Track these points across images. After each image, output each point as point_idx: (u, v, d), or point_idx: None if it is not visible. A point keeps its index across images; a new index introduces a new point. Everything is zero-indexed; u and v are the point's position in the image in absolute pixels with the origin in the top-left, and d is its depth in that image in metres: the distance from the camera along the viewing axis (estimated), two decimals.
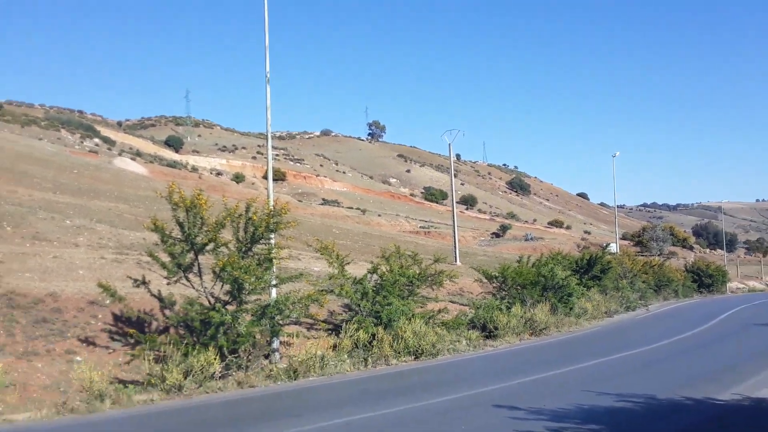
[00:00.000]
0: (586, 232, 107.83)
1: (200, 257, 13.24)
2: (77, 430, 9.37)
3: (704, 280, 51.35)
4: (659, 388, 11.18)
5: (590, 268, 29.03)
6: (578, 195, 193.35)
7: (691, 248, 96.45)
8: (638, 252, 66.67)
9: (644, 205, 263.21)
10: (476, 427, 8.95)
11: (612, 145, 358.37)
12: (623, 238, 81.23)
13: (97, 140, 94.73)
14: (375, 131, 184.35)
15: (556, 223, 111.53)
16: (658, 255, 68.09)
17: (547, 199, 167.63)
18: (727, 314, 28.30)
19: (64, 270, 16.32)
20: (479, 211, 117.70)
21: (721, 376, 12.70)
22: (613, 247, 45.84)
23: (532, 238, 79.23)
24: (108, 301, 13.72)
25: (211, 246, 12.94)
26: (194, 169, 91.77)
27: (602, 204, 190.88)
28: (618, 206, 63.32)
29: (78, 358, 12.02)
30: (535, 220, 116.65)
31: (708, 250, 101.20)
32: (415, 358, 15.68)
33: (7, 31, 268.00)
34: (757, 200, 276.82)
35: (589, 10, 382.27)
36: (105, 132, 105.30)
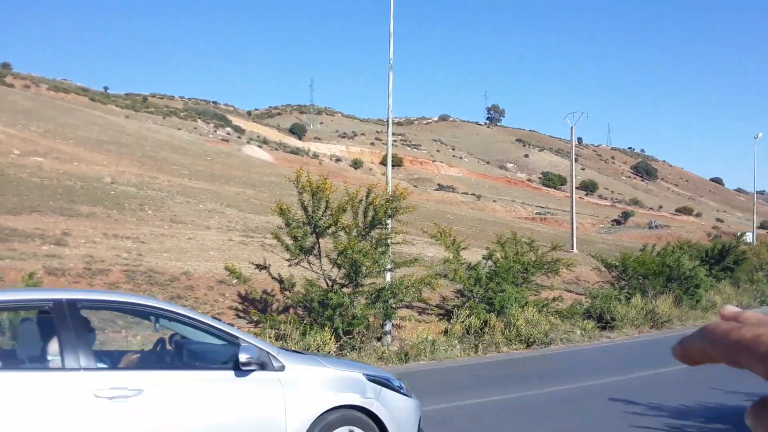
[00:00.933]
0: (718, 220, 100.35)
1: (320, 241, 13.84)
2: None
3: None
4: None
5: (722, 259, 27.14)
6: (712, 180, 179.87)
7: None
8: None
9: None
10: (590, 419, 8.78)
11: (752, 125, 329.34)
12: (761, 227, 74.82)
13: (228, 129, 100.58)
14: (494, 115, 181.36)
15: (684, 210, 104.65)
16: None
17: (676, 185, 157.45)
18: None
19: (197, 251, 17.66)
20: (600, 197, 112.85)
21: None
22: (750, 237, 42.44)
23: (656, 226, 74.92)
24: (234, 281, 14.72)
25: (332, 229, 13.47)
26: (315, 156, 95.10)
27: (739, 190, 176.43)
28: (758, 192, 58.40)
29: None
30: (661, 207, 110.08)
31: None
32: (526, 347, 15.52)
33: (153, 30, 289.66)
34: None
35: None
36: (236, 121, 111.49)
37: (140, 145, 45.53)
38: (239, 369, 5.07)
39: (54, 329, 4.76)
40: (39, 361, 4.96)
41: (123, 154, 37.63)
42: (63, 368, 4.58)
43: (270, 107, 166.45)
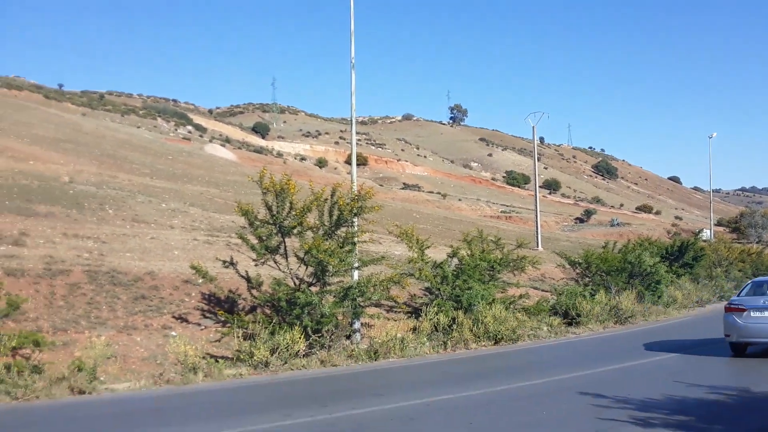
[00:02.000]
0: (677, 217, 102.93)
1: (286, 240, 13.72)
2: (173, 400, 10.01)
3: None
4: (754, 380, 10.67)
5: (681, 256, 27.85)
6: (670, 179, 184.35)
7: None
8: (734, 239, 63.03)
9: (742, 189, 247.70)
10: (559, 413, 8.86)
11: (708, 125, 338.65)
12: (718, 224, 77.00)
13: (189, 128, 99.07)
14: (457, 115, 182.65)
15: (644, 208, 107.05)
16: (757, 242, 64.11)
17: (636, 183, 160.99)
18: None
19: (161, 250, 17.31)
20: (563, 195, 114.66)
21: None
22: (707, 234, 43.67)
23: (618, 224, 76.52)
24: (200, 281, 14.48)
25: (297, 229, 13.38)
26: (279, 155, 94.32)
27: (696, 188, 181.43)
28: (713, 190, 60.06)
29: (173, 333, 12.78)
30: (622, 205, 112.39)
31: None
32: (494, 343, 15.64)
33: (109, 26, 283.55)
34: None
35: None
36: (197, 120, 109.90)
37: (98, 143, 44.46)
38: None
39: None
40: None
41: (81, 153, 36.69)
42: None
43: (232, 106, 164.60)
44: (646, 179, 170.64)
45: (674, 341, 16.15)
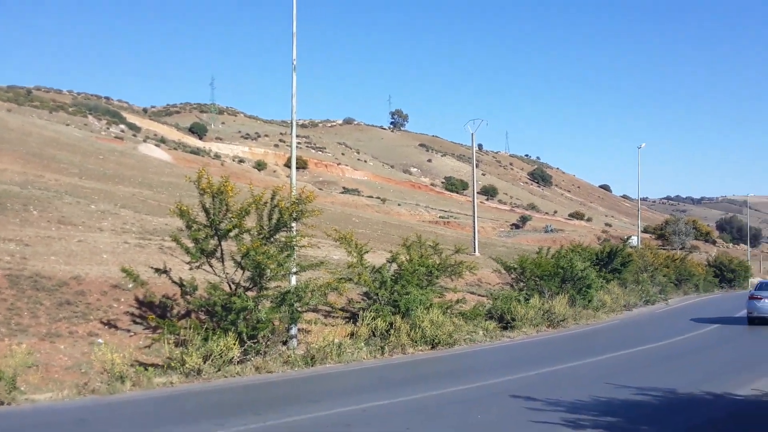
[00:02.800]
0: (607, 224, 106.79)
1: (223, 243, 13.41)
2: (98, 411, 9.58)
3: (726, 275, 50.73)
4: (678, 382, 11.12)
5: (610, 261, 28.83)
6: (600, 187, 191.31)
7: (714, 243, 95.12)
8: (660, 245, 65.91)
9: (668, 198, 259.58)
10: (492, 416, 8.99)
11: (637, 136, 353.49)
12: (645, 231, 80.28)
13: (122, 126, 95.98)
14: (397, 120, 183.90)
15: (576, 215, 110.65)
16: (680, 249, 67.33)
17: (569, 191, 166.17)
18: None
19: (89, 254, 16.62)
20: (500, 201, 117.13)
21: (741, 371, 12.59)
22: (635, 240, 45.34)
23: (552, 230, 78.79)
24: (131, 285, 13.96)
25: (234, 232, 13.10)
26: (217, 157, 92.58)
27: (625, 196, 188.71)
28: (641, 199, 62.53)
29: (99, 341, 12.25)
30: (555, 212, 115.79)
31: (731, 245, 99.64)
32: (431, 348, 15.74)
33: (37, 18, 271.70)
34: None
35: None
36: (131, 118, 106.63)
37: (24, 141, 42.47)
38: None
39: None
40: None
41: (4, 151, 34.93)
42: None
43: (168, 105, 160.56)
44: (578, 187, 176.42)
45: (600, 343, 16.69)
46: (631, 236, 52.03)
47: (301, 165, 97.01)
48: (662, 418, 8.89)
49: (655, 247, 49.08)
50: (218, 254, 13.37)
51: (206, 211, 13.11)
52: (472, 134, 39.65)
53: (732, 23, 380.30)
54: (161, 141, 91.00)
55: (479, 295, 22.80)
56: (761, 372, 12.45)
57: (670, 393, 10.24)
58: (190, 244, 13.16)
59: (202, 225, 13.21)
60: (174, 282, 13.55)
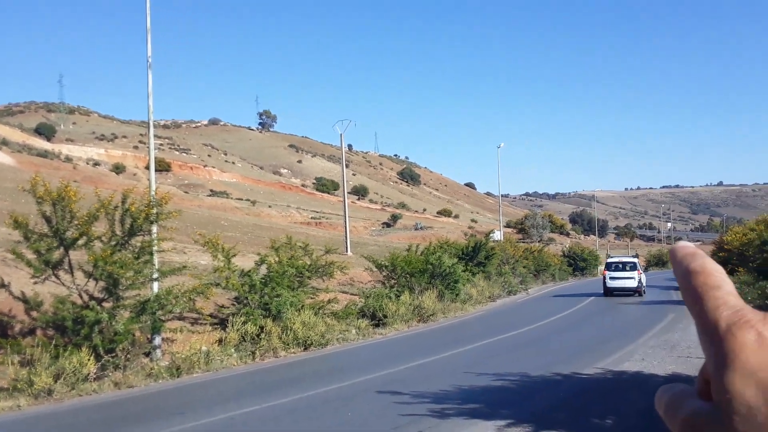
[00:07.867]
0: (473, 220, 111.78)
1: (71, 253, 12.45)
2: None
3: (579, 263, 54.96)
4: (533, 365, 11.85)
5: (475, 255, 30.15)
6: (466, 185, 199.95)
7: (567, 234, 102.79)
8: (520, 239, 70.14)
9: (527, 194, 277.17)
10: (363, 413, 9.07)
11: (498, 136, 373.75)
12: (507, 225, 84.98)
13: None
14: (266, 121, 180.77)
15: (444, 213, 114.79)
16: (538, 241, 71.95)
17: (437, 189, 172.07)
18: (598, 295, 30.38)
19: None
20: (371, 201, 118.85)
21: (589, 352, 13.64)
22: (497, 235, 47.84)
23: (421, 228, 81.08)
24: None
25: (83, 240, 12.21)
26: (68, 159, 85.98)
27: (488, 193, 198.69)
28: (502, 195, 66.16)
29: None
30: (425, 210, 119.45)
31: (582, 236, 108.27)
32: (304, 349, 15.63)
33: None
34: (626, 189, 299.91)
35: None
36: None
37: None
38: None
39: None
40: None
41: None
42: None
43: (10, 104, 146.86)
44: (445, 185, 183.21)
45: (466, 335, 17.44)
46: (494, 230, 54.90)
47: (164, 167, 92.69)
48: (518, 400, 9.43)
49: (516, 241, 52.15)
50: (65, 265, 12.40)
51: (47, 219, 12.11)
52: (341, 135, 39.93)
53: (587, 22, 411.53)
54: (3, 143, 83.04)
55: (352, 294, 22.96)
56: (606, 351, 13.59)
57: (525, 376, 10.89)
58: (31, 256, 12.10)
59: (45, 235, 12.19)
60: (16, 297, 12.40)
